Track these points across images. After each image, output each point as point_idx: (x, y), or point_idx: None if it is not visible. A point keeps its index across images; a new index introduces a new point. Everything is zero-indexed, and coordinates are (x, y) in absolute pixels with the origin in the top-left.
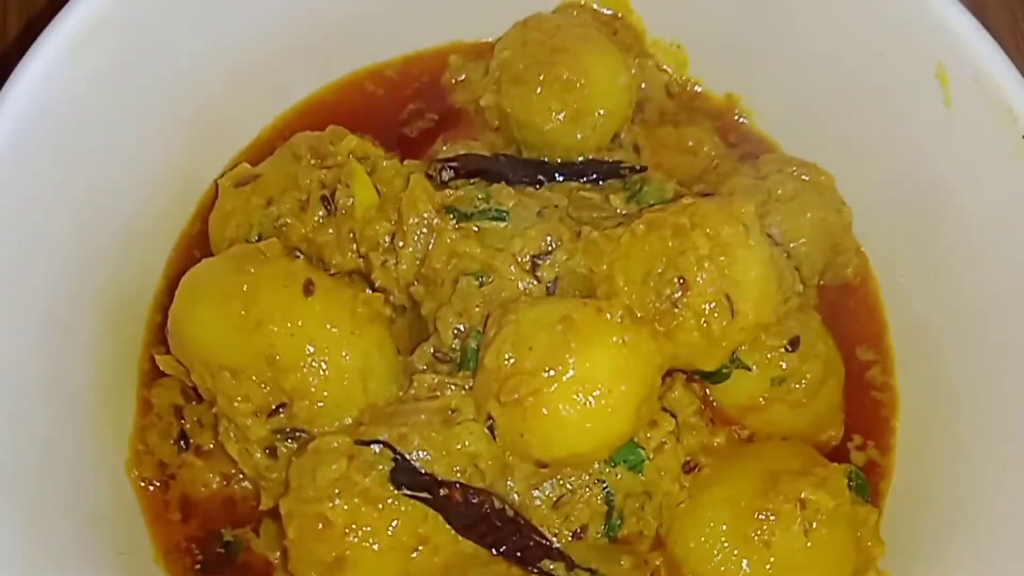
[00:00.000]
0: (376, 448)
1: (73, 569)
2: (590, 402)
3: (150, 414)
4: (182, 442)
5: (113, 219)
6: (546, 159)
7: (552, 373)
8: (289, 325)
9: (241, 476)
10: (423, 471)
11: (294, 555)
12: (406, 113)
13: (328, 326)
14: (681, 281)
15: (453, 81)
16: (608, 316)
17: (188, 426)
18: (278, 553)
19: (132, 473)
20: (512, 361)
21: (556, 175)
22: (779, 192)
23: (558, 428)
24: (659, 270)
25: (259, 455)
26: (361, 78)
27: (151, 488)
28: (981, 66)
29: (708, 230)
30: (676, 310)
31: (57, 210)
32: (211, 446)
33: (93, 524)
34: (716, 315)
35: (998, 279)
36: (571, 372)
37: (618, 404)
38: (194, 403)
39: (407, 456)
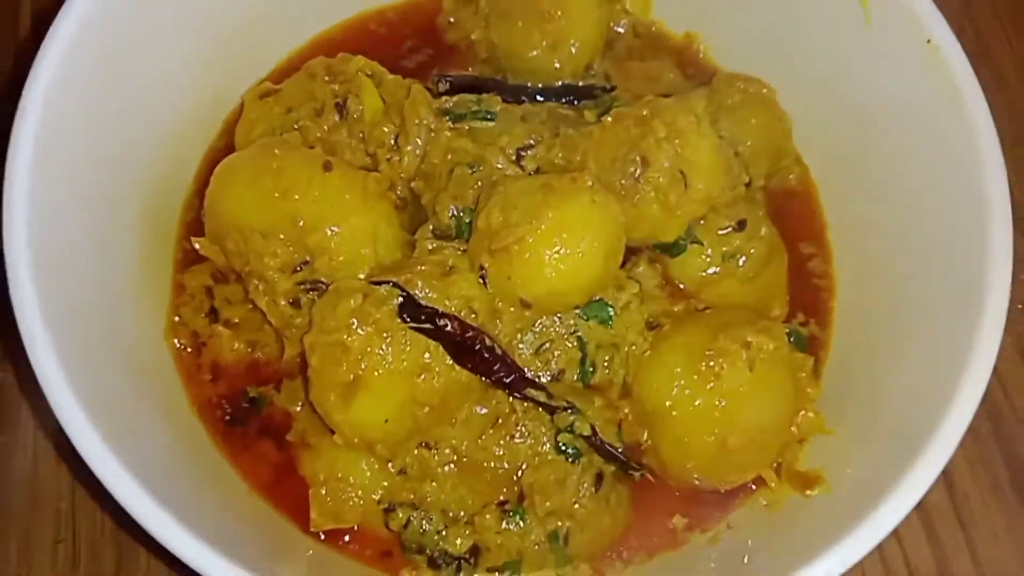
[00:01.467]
0: (386, 288)
1: (126, 409)
2: (565, 248)
3: (184, 294)
4: (213, 315)
5: (150, 131)
6: (528, 84)
7: (534, 223)
8: (311, 194)
9: (264, 344)
10: (426, 305)
11: (315, 382)
12: (405, 48)
13: (345, 195)
14: (642, 159)
15: (446, 22)
16: (580, 183)
17: (217, 303)
18: (297, 407)
19: (170, 340)
20: (500, 219)
21: (537, 97)
22: (728, 102)
23: (538, 269)
24: (624, 153)
25: (284, 304)
26: (365, 19)
27: (185, 352)
28: None
29: (666, 119)
30: (638, 184)
31: (104, 119)
32: (237, 320)
33: (140, 376)
34: (672, 188)
35: (918, 178)
36: (550, 222)
37: (588, 250)
38: (222, 285)
39: (412, 294)
